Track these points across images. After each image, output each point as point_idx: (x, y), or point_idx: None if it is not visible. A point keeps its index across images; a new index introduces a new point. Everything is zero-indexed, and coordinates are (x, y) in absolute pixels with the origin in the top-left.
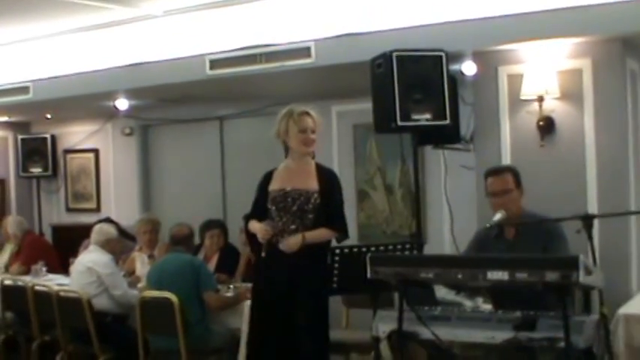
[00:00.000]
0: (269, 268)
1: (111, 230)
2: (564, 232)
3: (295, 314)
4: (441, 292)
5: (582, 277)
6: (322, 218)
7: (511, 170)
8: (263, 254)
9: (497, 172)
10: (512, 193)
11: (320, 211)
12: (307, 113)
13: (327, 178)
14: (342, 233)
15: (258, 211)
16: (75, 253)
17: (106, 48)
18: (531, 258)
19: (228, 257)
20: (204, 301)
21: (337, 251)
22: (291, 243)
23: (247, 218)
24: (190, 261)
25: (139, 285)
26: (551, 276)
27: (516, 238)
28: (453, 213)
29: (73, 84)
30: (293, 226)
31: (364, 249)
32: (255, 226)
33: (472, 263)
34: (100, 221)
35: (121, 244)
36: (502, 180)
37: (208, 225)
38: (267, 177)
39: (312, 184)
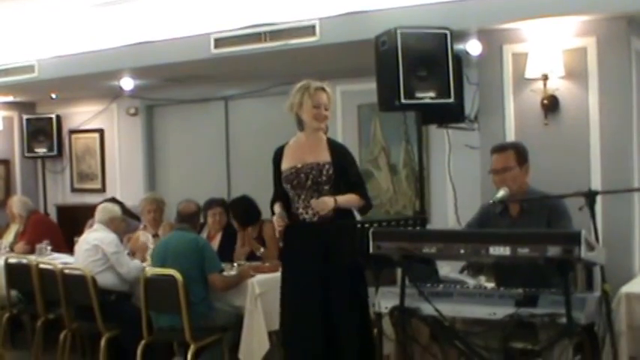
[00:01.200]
0: (297, 253)
1: (115, 209)
2: (568, 210)
3: (330, 298)
4: (444, 270)
5: (584, 253)
6: (340, 189)
7: (515, 148)
8: (280, 244)
9: (500, 149)
10: (512, 170)
11: (336, 182)
12: (323, 89)
13: (339, 150)
14: (368, 201)
15: (278, 191)
16: (80, 233)
17: (111, 26)
18: (533, 233)
19: (232, 236)
20: (207, 280)
21: None
22: (321, 203)
23: (272, 201)
24: (195, 240)
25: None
26: (553, 251)
27: (520, 215)
28: (457, 192)
29: (77, 63)
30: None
31: (367, 224)
32: (273, 218)
33: (475, 238)
34: (106, 201)
35: (124, 223)
36: (503, 157)
37: (210, 204)
38: (278, 154)
39: (324, 156)
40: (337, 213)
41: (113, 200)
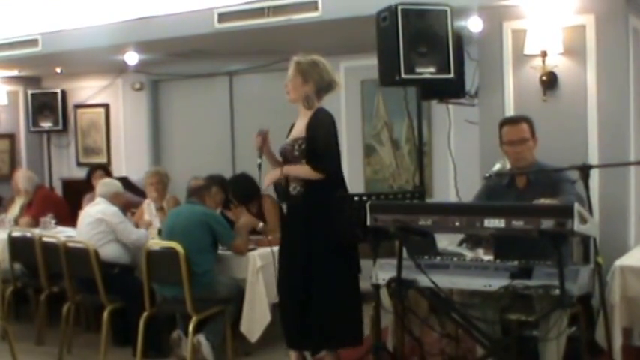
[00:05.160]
0: (286, 222)
1: (117, 184)
2: (571, 178)
3: (310, 266)
4: (443, 243)
5: (577, 226)
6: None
7: (526, 120)
8: (259, 161)
9: (513, 121)
10: (529, 142)
11: (307, 155)
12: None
13: (314, 119)
14: (320, 172)
15: None
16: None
17: (115, 0)
18: (527, 206)
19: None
20: (215, 251)
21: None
22: (268, 177)
23: None
24: (203, 212)
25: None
26: (547, 224)
27: (527, 187)
28: (457, 166)
29: (81, 37)
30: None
31: (365, 198)
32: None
33: (470, 211)
34: (97, 168)
35: (125, 197)
36: (519, 129)
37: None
38: (289, 131)
39: (302, 131)
40: (311, 186)
41: (103, 168)
